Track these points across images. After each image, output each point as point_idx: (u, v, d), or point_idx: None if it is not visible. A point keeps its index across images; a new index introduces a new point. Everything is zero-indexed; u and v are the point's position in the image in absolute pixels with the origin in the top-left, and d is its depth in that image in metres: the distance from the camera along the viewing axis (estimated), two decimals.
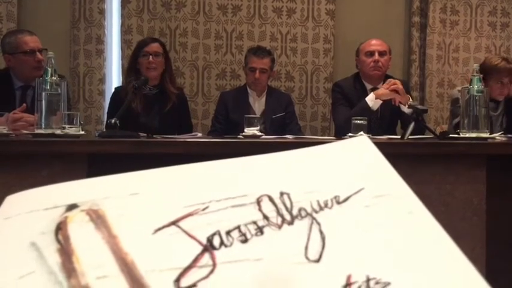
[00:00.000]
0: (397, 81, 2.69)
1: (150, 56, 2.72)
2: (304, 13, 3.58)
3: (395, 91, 2.64)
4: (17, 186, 1.86)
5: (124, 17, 3.38)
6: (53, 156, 1.81)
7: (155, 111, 2.61)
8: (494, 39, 3.81)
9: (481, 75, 2.29)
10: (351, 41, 3.31)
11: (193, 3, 3.46)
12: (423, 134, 2.50)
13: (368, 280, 0.37)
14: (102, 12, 3.33)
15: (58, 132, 1.95)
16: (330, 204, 0.43)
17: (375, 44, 2.97)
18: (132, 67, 2.80)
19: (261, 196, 0.43)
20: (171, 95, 2.76)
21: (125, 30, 3.38)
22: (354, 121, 2.34)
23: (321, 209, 0.42)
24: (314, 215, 0.41)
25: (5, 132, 2.03)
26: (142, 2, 3.41)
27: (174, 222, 0.40)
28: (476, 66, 2.38)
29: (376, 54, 2.93)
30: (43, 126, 1.97)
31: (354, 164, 0.47)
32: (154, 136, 2.30)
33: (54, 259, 0.37)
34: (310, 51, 3.59)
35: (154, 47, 2.76)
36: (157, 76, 2.75)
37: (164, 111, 2.70)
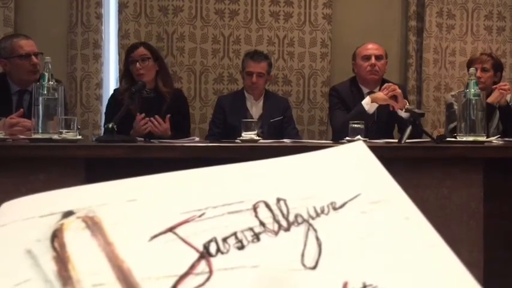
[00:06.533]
0: (395, 86, 2.70)
1: (137, 63, 2.70)
2: (301, 17, 3.59)
3: (394, 96, 2.64)
4: (14, 191, 1.86)
5: (121, 21, 3.39)
6: (50, 161, 1.81)
7: (152, 115, 2.59)
8: (491, 43, 3.83)
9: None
10: (348, 45, 3.32)
11: (191, 7, 3.46)
12: (420, 138, 2.51)
13: (365, 287, 0.37)
14: (99, 17, 3.33)
15: (55, 137, 1.94)
16: (326, 210, 0.43)
17: (371, 48, 2.98)
18: (125, 73, 2.80)
19: (258, 202, 0.43)
20: (165, 97, 2.74)
21: (122, 35, 3.38)
22: (351, 125, 2.34)
23: (318, 215, 0.42)
24: (311, 221, 0.41)
25: (2, 137, 2.03)
26: (139, 6, 3.41)
27: (170, 229, 0.40)
28: (472, 70, 2.39)
29: (373, 58, 2.94)
30: (40, 131, 1.96)
31: (350, 169, 0.47)
32: (151, 140, 2.30)
33: (50, 267, 0.37)
34: (307, 56, 3.60)
35: (140, 52, 2.72)
36: (150, 80, 2.73)
37: (160, 114, 2.66)
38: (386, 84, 2.74)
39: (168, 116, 2.55)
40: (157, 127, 2.51)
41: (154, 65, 2.75)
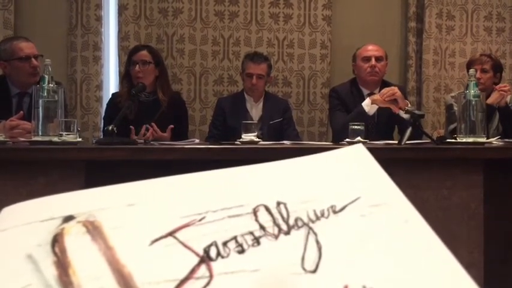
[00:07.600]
0: (395, 88, 2.69)
1: (137, 65, 2.69)
2: (301, 19, 3.59)
3: (394, 98, 2.64)
4: (14, 194, 1.86)
5: (121, 23, 3.39)
6: (50, 163, 1.81)
7: (148, 119, 2.58)
8: (490, 44, 3.83)
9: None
10: (348, 46, 3.32)
11: (190, 9, 3.47)
12: (420, 139, 2.51)
13: None
14: (99, 19, 3.33)
15: (55, 139, 1.94)
16: (326, 213, 0.43)
17: (371, 50, 2.98)
18: (126, 75, 2.80)
19: (258, 206, 0.43)
20: (161, 103, 2.73)
21: (122, 37, 3.38)
22: (351, 126, 2.34)
23: (318, 218, 0.42)
24: (311, 224, 0.42)
25: (2, 139, 2.03)
26: (139, 8, 3.42)
27: (170, 233, 0.40)
28: (472, 71, 2.39)
29: (373, 59, 2.94)
30: (40, 133, 1.96)
31: (350, 173, 0.47)
32: (151, 142, 2.30)
33: (50, 272, 0.37)
34: (307, 57, 3.60)
35: (142, 55, 2.71)
36: (148, 84, 2.71)
37: (154, 119, 2.64)
38: (384, 89, 2.72)
39: (171, 126, 2.55)
40: (153, 134, 2.51)
41: (154, 70, 2.74)
